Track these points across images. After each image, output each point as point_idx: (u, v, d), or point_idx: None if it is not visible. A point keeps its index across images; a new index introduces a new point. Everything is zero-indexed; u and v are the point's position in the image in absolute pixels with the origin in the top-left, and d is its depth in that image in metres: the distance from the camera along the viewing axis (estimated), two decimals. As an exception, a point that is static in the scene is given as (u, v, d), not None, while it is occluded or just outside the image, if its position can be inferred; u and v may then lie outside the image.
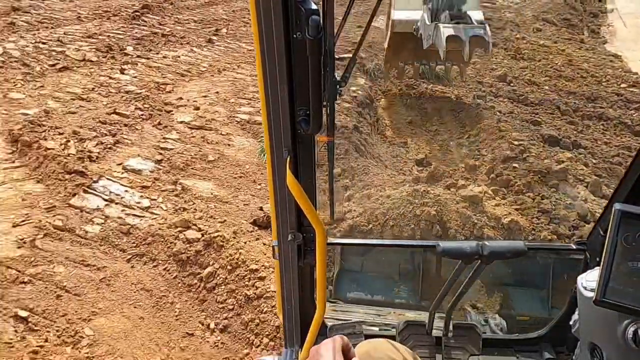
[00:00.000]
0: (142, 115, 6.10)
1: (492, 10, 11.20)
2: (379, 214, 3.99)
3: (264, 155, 5.22)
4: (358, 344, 1.64)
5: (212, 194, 4.91)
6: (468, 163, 5.46)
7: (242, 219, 4.53)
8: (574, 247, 2.00)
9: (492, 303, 3.33)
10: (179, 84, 7.11)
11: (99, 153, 5.25)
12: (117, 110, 6.10)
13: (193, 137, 5.83)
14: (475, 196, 4.13)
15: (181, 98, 6.66)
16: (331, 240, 1.84)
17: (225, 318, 3.70)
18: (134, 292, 3.84)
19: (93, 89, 6.64)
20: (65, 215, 4.40)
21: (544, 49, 8.88)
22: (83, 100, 6.32)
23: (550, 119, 6.83)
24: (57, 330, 3.44)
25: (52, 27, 8.55)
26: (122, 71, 7.19)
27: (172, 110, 6.35)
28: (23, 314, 3.48)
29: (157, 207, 4.63)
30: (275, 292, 3.58)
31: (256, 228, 4.42)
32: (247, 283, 3.80)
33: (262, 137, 5.23)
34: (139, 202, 4.66)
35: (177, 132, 5.89)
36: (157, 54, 7.99)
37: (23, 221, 4.28)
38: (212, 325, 3.67)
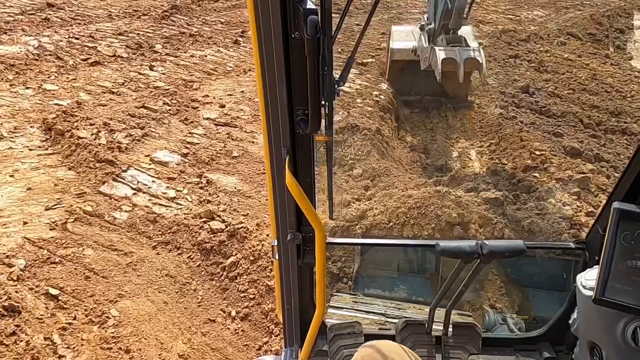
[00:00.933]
0: (169, 110, 6.26)
1: (516, 23, 11.23)
2: (400, 213, 4.05)
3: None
4: (362, 345, 1.64)
5: (235, 188, 5.02)
6: (489, 169, 5.49)
7: (264, 213, 4.62)
8: (573, 246, 1.99)
9: (510, 303, 3.35)
10: (206, 82, 7.28)
11: (128, 144, 5.42)
12: (145, 105, 6.28)
13: (218, 133, 5.97)
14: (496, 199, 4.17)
15: (207, 95, 6.82)
16: (330, 240, 1.83)
17: (246, 307, 3.78)
18: (159, 278, 3.95)
19: (123, 83, 6.84)
20: (95, 202, 4.54)
21: (568, 62, 8.86)
22: (113, 94, 6.52)
23: (572, 131, 6.82)
24: (85, 310, 3.56)
25: (84, 24, 8.83)
26: (151, 68, 7.39)
27: (198, 107, 6.50)
28: (54, 292, 3.61)
29: (183, 198, 4.75)
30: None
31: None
32: (268, 274, 3.89)
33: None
34: (165, 193, 4.79)
35: (203, 128, 6.03)
36: (185, 52, 8.18)
37: (55, 205, 4.44)
38: (233, 313, 3.76)
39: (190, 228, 4.33)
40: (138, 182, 4.88)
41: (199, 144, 5.69)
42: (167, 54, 8.00)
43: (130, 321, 3.57)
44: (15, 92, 6.22)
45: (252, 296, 3.83)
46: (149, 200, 4.67)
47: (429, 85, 7.06)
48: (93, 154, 5.05)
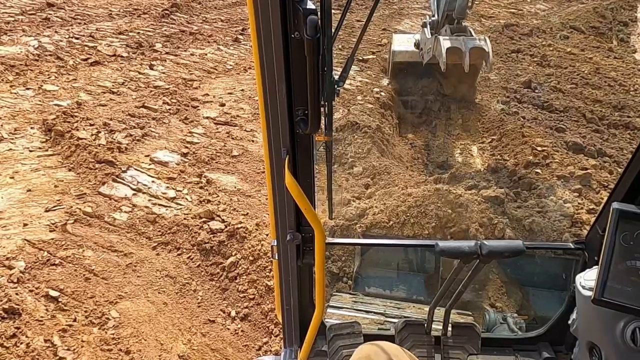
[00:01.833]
0: (169, 109, 6.26)
1: (518, 17, 11.14)
2: (400, 212, 4.03)
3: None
4: (360, 345, 1.64)
5: (235, 187, 5.01)
6: (490, 166, 5.45)
7: (264, 213, 4.61)
8: (573, 246, 1.98)
9: (511, 303, 3.33)
10: (206, 80, 7.26)
11: (127, 144, 5.41)
12: (145, 104, 6.27)
13: (218, 132, 5.96)
14: (496, 197, 4.14)
15: (207, 94, 6.81)
16: (330, 240, 1.82)
17: (246, 307, 3.78)
18: (159, 279, 3.95)
19: (123, 83, 6.84)
20: (95, 203, 4.55)
21: (571, 56, 8.78)
22: (113, 94, 6.51)
23: (575, 126, 6.76)
24: (85, 311, 3.57)
25: (84, 23, 8.83)
26: (151, 67, 7.38)
27: (198, 106, 6.49)
28: (54, 293, 3.62)
29: (183, 198, 4.75)
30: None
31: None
32: (268, 274, 3.88)
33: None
34: (165, 193, 4.79)
35: (203, 127, 6.02)
36: (185, 51, 8.17)
37: (55, 206, 4.44)
38: (232, 314, 3.76)
39: (190, 228, 4.33)
40: (138, 182, 4.88)
41: (198, 143, 5.68)
42: (167, 53, 7.99)
43: (130, 322, 3.58)
44: (15, 93, 6.23)
45: (251, 296, 3.83)
46: (149, 200, 4.67)
47: (433, 85, 6.98)
48: (93, 155, 5.05)
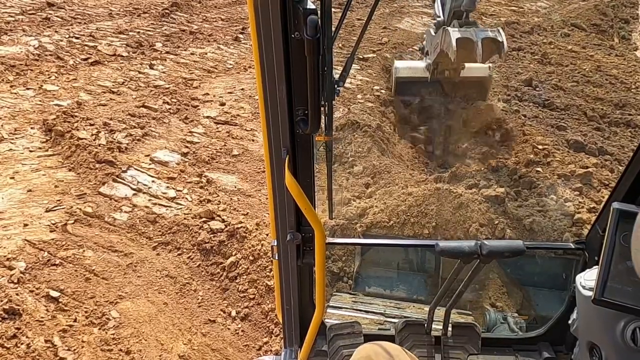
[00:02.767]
0: (169, 109, 6.25)
1: (519, 15, 11.10)
2: (400, 211, 4.02)
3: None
4: (360, 345, 1.64)
5: (235, 187, 5.01)
6: (490, 164, 5.44)
7: (264, 213, 4.61)
8: (573, 246, 1.98)
9: (511, 303, 3.33)
10: (206, 80, 7.26)
11: (128, 144, 5.41)
12: (145, 104, 6.27)
13: (218, 131, 5.96)
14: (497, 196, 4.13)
15: (207, 94, 6.80)
16: (330, 240, 1.82)
17: (246, 307, 3.78)
18: (159, 279, 3.95)
19: (123, 82, 6.83)
20: (95, 203, 4.55)
21: (572, 54, 8.75)
22: (113, 94, 6.51)
23: (576, 124, 6.74)
24: (86, 312, 3.57)
25: (84, 23, 8.82)
26: (151, 66, 7.38)
27: (198, 106, 6.49)
28: (54, 294, 3.62)
29: (183, 197, 4.75)
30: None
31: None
32: (268, 274, 3.88)
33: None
34: (165, 193, 4.79)
35: (203, 127, 6.02)
36: (185, 50, 8.16)
37: (55, 207, 4.44)
38: (233, 313, 3.76)
39: (190, 228, 4.33)
40: (138, 182, 4.88)
41: (199, 142, 5.67)
42: (167, 52, 7.98)
43: (131, 322, 3.58)
44: (15, 93, 6.23)
45: (252, 296, 3.83)
46: (149, 200, 4.67)
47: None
48: (93, 155, 5.05)
